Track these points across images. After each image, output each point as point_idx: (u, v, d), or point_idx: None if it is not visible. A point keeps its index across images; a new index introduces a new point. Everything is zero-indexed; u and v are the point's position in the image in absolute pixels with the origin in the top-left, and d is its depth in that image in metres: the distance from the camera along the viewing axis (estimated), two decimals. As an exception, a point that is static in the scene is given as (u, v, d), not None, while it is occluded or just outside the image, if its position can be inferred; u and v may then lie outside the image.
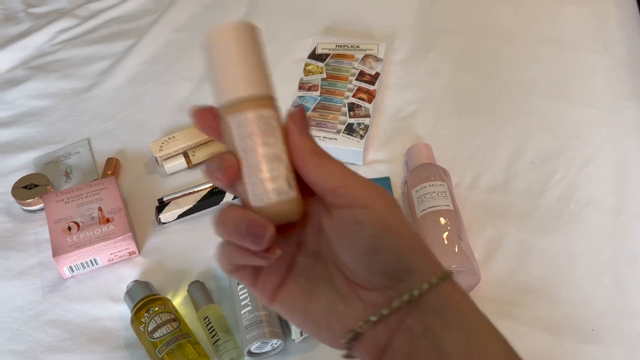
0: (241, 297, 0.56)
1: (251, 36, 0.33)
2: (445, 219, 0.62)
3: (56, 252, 0.59)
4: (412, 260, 0.32)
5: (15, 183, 0.68)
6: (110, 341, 0.57)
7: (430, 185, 0.65)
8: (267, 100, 0.33)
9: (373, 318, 0.31)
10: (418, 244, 0.32)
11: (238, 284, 0.57)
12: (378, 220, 0.32)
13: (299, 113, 0.33)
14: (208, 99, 0.79)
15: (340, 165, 0.33)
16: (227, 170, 0.32)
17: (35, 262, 0.63)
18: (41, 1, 0.96)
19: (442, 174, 0.67)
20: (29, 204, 0.67)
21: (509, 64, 0.82)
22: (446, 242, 0.60)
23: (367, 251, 0.31)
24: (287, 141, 0.32)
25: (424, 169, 0.67)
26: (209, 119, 0.33)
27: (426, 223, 0.62)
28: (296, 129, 0.33)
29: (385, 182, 0.70)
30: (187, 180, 0.72)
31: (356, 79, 0.78)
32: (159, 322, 0.54)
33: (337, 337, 0.32)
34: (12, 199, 0.68)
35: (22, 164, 0.73)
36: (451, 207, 0.63)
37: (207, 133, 0.34)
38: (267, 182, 0.31)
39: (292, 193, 0.32)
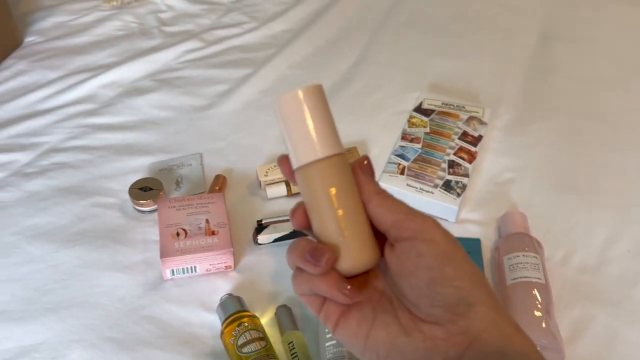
0: (327, 330, 0.58)
1: (313, 100, 0.35)
2: (535, 292, 0.62)
3: (164, 254, 0.64)
4: (472, 295, 0.33)
5: (133, 184, 0.74)
6: (198, 347, 0.60)
7: (523, 256, 0.65)
8: (330, 159, 0.35)
9: None
10: (478, 278, 0.33)
11: None
12: (439, 252, 0.33)
13: (363, 160, 0.37)
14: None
15: (401, 202, 0.35)
16: (296, 218, 0.36)
17: (140, 260, 0.68)
18: (173, 21, 1.05)
19: (536, 246, 0.67)
20: (142, 205, 0.72)
21: (612, 149, 0.82)
22: (535, 315, 0.60)
23: (428, 283, 0.33)
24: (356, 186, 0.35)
25: (518, 238, 0.68)
26: (289, 168, 0.37)
27: (515, 292, 0.63)
28: (361, 173, 0.36)
29: (475, 243, 0.71)
30: (284, 206, 0.75)
31: (459, 138, 0.80)
32: (248, 338, 0.57)
33: None
34: (126, 196, 0.74)
35: (138, 166, 0.79)
36: (542, 281, 0.63)
37: (287, 178, 0.37)
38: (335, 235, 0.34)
39: (361, 243, 0.35)
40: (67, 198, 0.74)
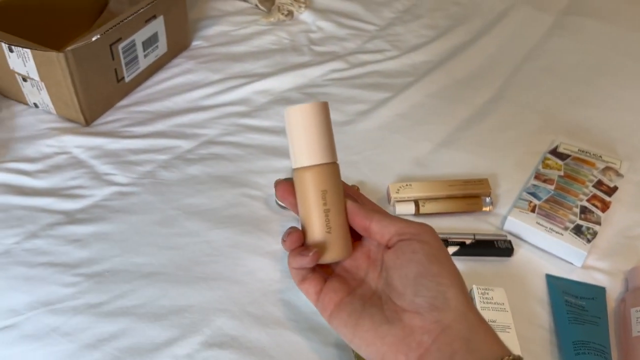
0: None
1: (318, 115, 0.42)
2: (664, 347, 0.62)
3: (305, 247, 0.70)
4: (450, 291, 0.39)
5: (279, 180, 0.82)
6: (325, 335, 0.66)
7: (653, 310, 0.65)
8: (323, 166, 0.43)
9: None
10: (457, 279, 0.40)
11: None
12: (429, 252, 0.41)
13: (356, 189, 0.48)
14: (443, 160, 0.88)
15: (397, 217, 0.44)
16: (280, 192, 0.47)
17: (280, 249, 0.75)
18: (322, 42, 1.14)
19: (667, 303, 0.66)
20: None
21: None
22: (661, 369, 0.60)
23: (416, 275, 0.40)
24: (348, 206, 0.44)
25: (648, 292, 0.68)
26: (286, 192, 0.46)
27: (642, 344, 0.63)
28: (359, 196, 0.47)
29: (601, 291, 0.71)
30: (411, 225, 0.80)
31: (593, 186, 0.81)
32: (375, 336, 0.62)
33: (377, 354, 0.40)
34: (271, 192, 0.82)
35: (283, 167, 0.87)
36: (673, 339, 0.63)
37: (282, 201, 0.47)
38: (315, 231, 0.43)
39: (333, 239, 0.43)
40: (221, 185, 0.84)
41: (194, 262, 0.73)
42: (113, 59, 0.93)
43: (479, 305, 0.65)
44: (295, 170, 0.44)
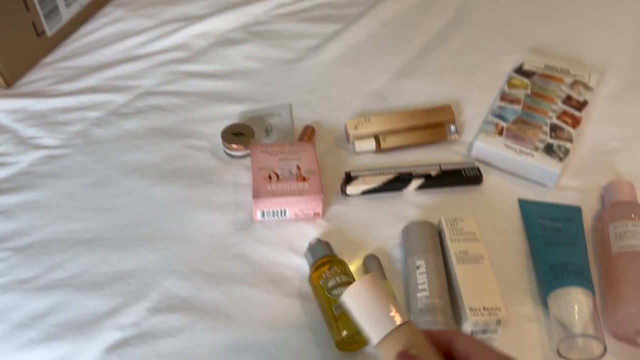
0: (419, 282, 0.57)
1: (374, 288, 0.41)
2: (645, 261, 0.58)
3: (256, 195, 0.64)
4: None
5: (226, 128, 0.74)
6: (286, 287, 0.60)
7: (633, 225, 0.61)
8: (397, 331, 0.40)
9: None
10: None
11: (417, 267, 0.58)
12: None
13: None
14: (403, 91, 0.81)
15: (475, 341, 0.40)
16: None
17: (231, 201, 0.68)
18: (264, -23, 1.05)
19: (646, 216, 0.62)
20: (234, 149, 0.73)
21: None
22: (644, 285, 0.56)
23: None
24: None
25: (627, 207, 0.64)
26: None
27: (623, 261, 0.59)
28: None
29: (576, 211, 0.67)
30: (371, 162, 0.74)
31: (562, 102, 0.75)
32: (338, 282, 0.56)
33: None
34: (217, 140, 0.74)
35: (229, 113, 0.80)
36: (654, 252, 0.59)
37: None
38: None
39: None
40: (161, 138, 0.76)
41: (135, 223, 0.66)
42: (28, 9, 0.83)
43: (448, 238, 0.60)
44: (377, 347, 0.41)
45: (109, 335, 0.56)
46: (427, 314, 0.54)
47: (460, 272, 0.57)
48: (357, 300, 0.41)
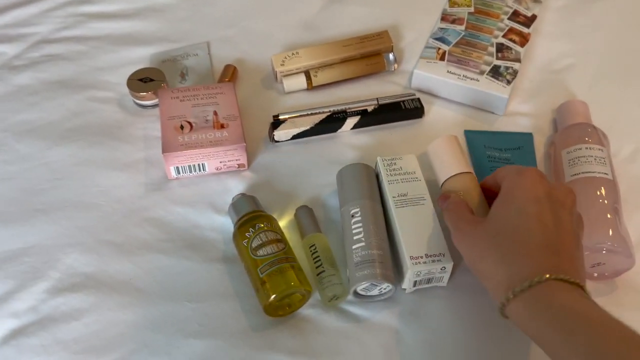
0: (354, 232, 0.50)
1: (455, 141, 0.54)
2: (601, 188, 0.52)
3: (166, 149, 0.56)
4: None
5: (132, 74, 0.65)
6: (208, 251, 0.53)
7: (586, 148, 0.55)
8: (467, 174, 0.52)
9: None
10: None
11: (352, 216, 0.51)
12: None
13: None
14: (336, 18, 0.72)
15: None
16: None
17: (142, 158, 0.60)
18: None
19: (601, 138, 0.57)
20: (142, 98, 0.64)
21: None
22: (600, 215, 0.51)
23: None
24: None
25: (579, 129, 0.58)
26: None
27: (576, 189, 0.53)
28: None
29: (527, 138, 0.61)
30: (303, 101, 0.66)
31: (508, 18, 0.68)
32: (264, 240, 0.50)
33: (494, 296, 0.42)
34: (125, 90, 0.65)
35: (138, 57, 0.70)
36: (610, 177, 0.53)
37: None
38: None
39: None
40: (60, 92, 0.66)
41: (30, 193, 0.57)
42: None
43: (385, 180, 0.53)
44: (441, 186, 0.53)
45: (2, 325, 0.48)
46: (364, 267, 0.48)
47: (399, 217, 0.50)
48: (436, 150, 0.53)
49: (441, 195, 0.51)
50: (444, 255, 0.48)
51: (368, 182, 0.54)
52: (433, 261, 0.48)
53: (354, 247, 0.50)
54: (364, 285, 0.48)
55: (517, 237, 0.41)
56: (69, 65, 0.69)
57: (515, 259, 0.41)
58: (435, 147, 0.54)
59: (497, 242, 0.42)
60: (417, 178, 0.53)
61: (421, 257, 0.48)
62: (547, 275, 0.39)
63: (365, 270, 0.48)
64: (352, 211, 0.52)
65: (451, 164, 0.52)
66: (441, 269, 0.48)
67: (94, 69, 0.69)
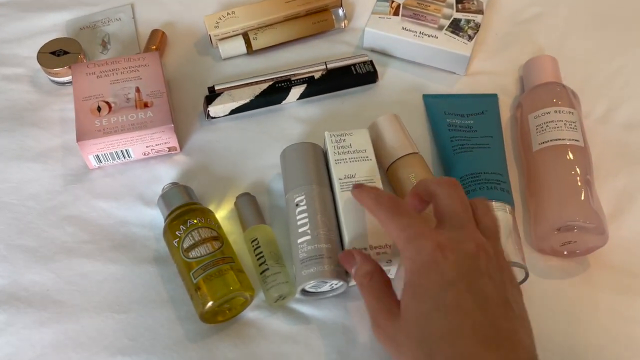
0: (299, 223, 0.44)
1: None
2: (571, 157, 0.47)
3: (81, 136, 0.48)
4: None
5: (42, 47, 0.56)
6: (137, 251, 0.47)
7: (555, 112, 0.50)
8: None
9: None
10: None
11: (297, 205, 0.45)
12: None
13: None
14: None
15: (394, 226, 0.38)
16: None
17: (58, 145, 0.53)
18: None
19: (571, 98, 0.51)
20: (57, 74, 0.55)
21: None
22: (571, 187, 0.46)
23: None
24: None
25: (548, 90, 0.52)
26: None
27: (545, 160, 0.48)
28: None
29: (491, 101, 0.55)
30: (244, 68, 0.58)
31: (469, -37, 0.60)
32: (197, 239, 0.44)
33: None
34: (38, 65, 0.56)
35: (52, 25, 0.61)
36: (581, 143, 0.48)
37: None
38: None
39: None
40: (-41, 71, 0.57)
41: None
42: None
43: (332, 159, 0.47)
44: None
45: None
46: (310, 264, 0.42)
47: (343, 202, 0.44)
48: (379, 130, 0.50)
49: (357, 185, 0.42)
50: (389, 247, 0.43)
51: (315, 164, 0.48)
52: (378, 254, 0.42)
53: (299, 241, 0.44)
54: (312, 283, 0.43)
55: (447, 342, 0.33)
56: (-30, 37, 0.60)
57: None
58: (376, 129, 0.49)
59: (426, 353, 0.33)
60: (367, 157, 0.47)
61: (364, 249, 0.42)
62: None
63: (312, 268, 0.42)
64: (297, 199, 0.46)
65: (395, 146, 0.48)
66: (387, 262, 0.43)
67: None
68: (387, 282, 0.39)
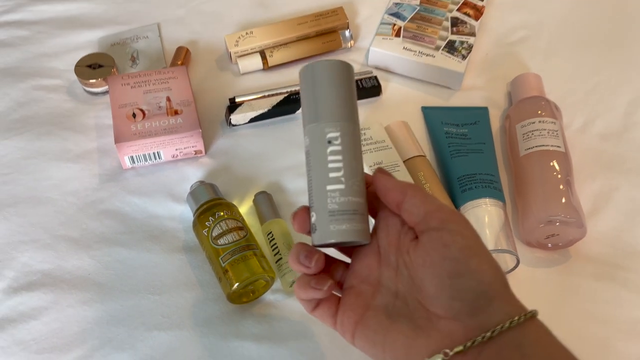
0: (331, 166, 0.37)
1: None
2: (554, 161, 0.54)
3: (118, 139, 0.54)
4: (494, 289, 0.32)
5: (79, 61, 0.62)
6: (168, 242, 0.52)
7: (540, 122, 0.56)
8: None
9: (448, 351, 0.31)
10: (500, 274, 0.33)
11: (329, 142, 0.37)
12: (465, 244, 0.33)
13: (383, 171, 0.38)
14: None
15: (432, 195, 0.36)
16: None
17: (94, 147, 0.58)
18: None
19: (554, 111, 0.58)
20: (92, 85, 0.61)
21: (642, -4, 0.70)
22: (553, 188, 0.52)
23: (451, 274, 0.33)
24: (377, 184, 0.37)
25: (533, 103, 0.58)
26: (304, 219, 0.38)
27: (531, 163, 0.54)
28: (385, 174, 0.37)
29: (483, 112, 0.61)
30: (260, 82, 0.65)
31: (463, -8, 0.68)
32: (224, 229, 0.49)
33: None
34: (74, 77, 0.62)
35: (86, 42, 0.67)
36: (562, 149, 0.55)
37: (300, 231, 0.38)
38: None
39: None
40: (3, 81, 0.63)
41: (-22, 190, 0.55)
42: None
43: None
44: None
45: (-43, 330, 0.47)
46: (342, 219, 0.35)
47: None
48: (390, 133, 0.52)
49: (379, 170, 0.38)
50: None
51: (350, 95, 0.37)
52: None
53: (329, 187, 0.36)
54: (339, 241, 0.36)
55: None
56: (11, 52, 0.66)
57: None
58: (388, 131, 0.53)
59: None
60: (388, 146, 0.53)
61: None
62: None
63: (344, 225, 0.36)
64: (330, 135, 0.36)
65: (405, 147, 0.51)
66: None
67: (39, 55, 0.66)
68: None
